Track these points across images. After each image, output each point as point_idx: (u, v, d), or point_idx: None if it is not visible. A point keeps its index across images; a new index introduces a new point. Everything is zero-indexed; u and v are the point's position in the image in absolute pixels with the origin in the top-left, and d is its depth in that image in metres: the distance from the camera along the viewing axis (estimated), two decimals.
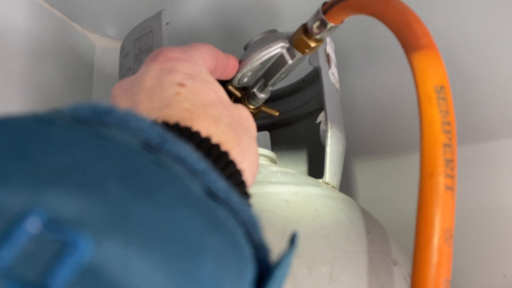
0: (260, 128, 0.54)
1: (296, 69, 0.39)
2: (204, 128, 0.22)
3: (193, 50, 0.28)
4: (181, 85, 0.24)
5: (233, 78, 0.38)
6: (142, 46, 0.42)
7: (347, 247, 0.33)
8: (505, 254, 0.45)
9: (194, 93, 0.24)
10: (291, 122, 0.53)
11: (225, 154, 0.21)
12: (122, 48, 0.44)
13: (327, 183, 0.41)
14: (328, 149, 0.41)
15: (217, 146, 0.21)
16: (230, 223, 0.16)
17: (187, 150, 0.17)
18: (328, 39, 0.45)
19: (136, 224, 0.13)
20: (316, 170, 0.48)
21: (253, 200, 0.34)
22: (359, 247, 0.33)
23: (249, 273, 0.17)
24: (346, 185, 0.57)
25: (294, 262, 0.30)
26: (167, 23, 0.41)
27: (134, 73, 0.41)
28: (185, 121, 0.22)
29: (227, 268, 0.15)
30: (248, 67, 0.37)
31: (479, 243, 0.47)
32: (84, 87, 0.55)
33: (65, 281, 0.11)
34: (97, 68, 0.56)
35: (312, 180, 0.40)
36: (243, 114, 0.27)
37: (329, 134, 0.41)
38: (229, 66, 0.34)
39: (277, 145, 0.54)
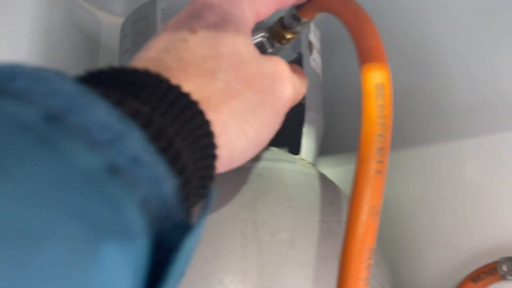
0: None
1: (286, 53, 0.43)
2: (190, 82, 0.21)
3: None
4: (192, 31, 0.23)
5: None
6: (138, 29, 0.46)
7: (309, 216, 0.37)
8: (457, 224, 0.49)
9: (200, 43, 0.23)
10: None
11: (197, 114, 0.20)
12: (122, 29, 0.48)
13: (303, 159, 0.45)
14: (304, 129, 0.45)
15: (190, 104, 0.19)
16: (117, 200, 0.15)
17: (97, 117, 0.15)
18: (312, 27, 0.49)
19: None
20: (298, 147, 0.52)
21: (228, 174, 0.38)
22: (320, 216, 0.38)
23: (133, 249, 0.15)
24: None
25: (260, 229, 0.35)
26: (162, 9, 0.45)
27: (131, 55, 0.46)
28: (167, 71, 0.21)
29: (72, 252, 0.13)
30: None
31: (432, 215, 0.51)
32: (90, 63, 0.60)
33: None
34: (103, 45, 0.60)
35: (289, 156, 0.44)
36: (267, 70, 0.25)
37: (306, 115, 0.45)
38: None
39: None
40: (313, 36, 0.48)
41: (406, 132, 0.57)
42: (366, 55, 0.28)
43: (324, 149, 0.50)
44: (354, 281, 0.26)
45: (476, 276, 0.45)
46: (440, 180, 0.52)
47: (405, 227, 0.53)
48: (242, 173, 0.39)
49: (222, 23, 0.24)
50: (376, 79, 0.28)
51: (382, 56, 0.29)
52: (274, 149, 0.45)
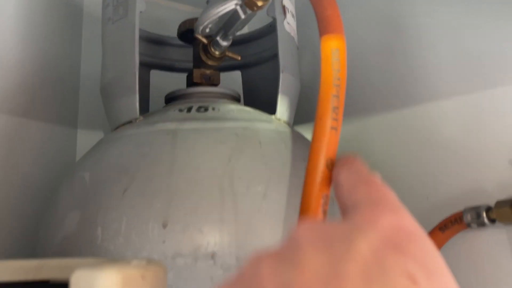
0: (232, 68, 0.61)
1: (260, 18, 0.45)
2: None
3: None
4: (413, 280, 0.17)
5: (197, 28, 0.45)
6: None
7: (281, 171, 0.40)
8: (428, 177, 0.53)
9: None
10: (260, 63, 0.59)
11: None
12: None
13: (279, 119, 0.48)
14: (279, 89, 0.48)
15: None
16: None
17: None
18: None
19: None
20: (274, 107, 0.55)
21: (207, 134, 0.41)
22: (292, 171, 0.41)
23: None
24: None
25: (236, 183, 0.39)
26: None
27: (113, 23, 0.48)
28: None
29: None
30: (208, 20, 0.44)
31: (408, 171, 0.55)
32: (73, 30, 0.61)
33: None
34: (87, 12, 0.62)
35: (264, 116, 0.47)
36: None
37: (281, 76, 0.48)
38: None
39: (248, 83, 0.61)
40: (287, 1, 0.51)
41: (385, 96, 0.59)
42: (324, 23, 0.31)
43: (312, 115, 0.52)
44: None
45: (444, 225, 0.49)
46: (417, 138, 0.55)
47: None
48: (219, 132, 0.42)
49: (434, 263, 0.19)
50: (332, 45, 0.31)
51: (338, 24, 0.31)
52: (250, 110, 0.48)
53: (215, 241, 0.36)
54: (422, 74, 0.55)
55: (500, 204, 0.44)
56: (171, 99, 0.51)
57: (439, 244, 0.49)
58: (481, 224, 0.46)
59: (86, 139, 0.61)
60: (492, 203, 0.46)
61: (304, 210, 0.30)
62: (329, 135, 0.30)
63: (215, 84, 0.52)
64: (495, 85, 0.49)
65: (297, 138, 0.46)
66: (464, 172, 0.51)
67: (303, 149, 0.45)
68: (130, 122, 0.45)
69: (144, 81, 0.55)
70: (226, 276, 0.33)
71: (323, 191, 0.30)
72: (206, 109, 0.45)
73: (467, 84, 0.52)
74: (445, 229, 0.49)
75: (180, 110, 0.45)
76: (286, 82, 0.48)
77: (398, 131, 0.57)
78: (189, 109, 0.45)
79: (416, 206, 0.53)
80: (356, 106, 0.61)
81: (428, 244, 0.20)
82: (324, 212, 0.30)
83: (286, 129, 0.46)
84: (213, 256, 0.36)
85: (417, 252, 0.19)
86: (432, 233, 0.49)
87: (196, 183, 0.38)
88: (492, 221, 0.45)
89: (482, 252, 0.47)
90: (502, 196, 0.46)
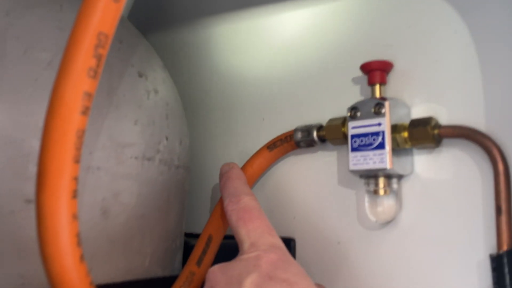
0: None
1: None
2: None
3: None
4: None
5: None
6: None
7: None
8: (265, 99, 0.49)
9: None
10: None
11: None
12: None
13: None
14: None
15: None
16: None
17: None
18: None
19: None
20: None
21: None
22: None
23: None
24: None
25: (10, 42, 0.30)
26: None
27: None
28: None
29: None
30: None
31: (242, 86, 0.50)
32: None
33: None
34: None
35: None
36: None
37: None
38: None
39: None
40: None
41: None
42: None
43: None
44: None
45: (272, 144, 0.45)
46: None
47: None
48: None
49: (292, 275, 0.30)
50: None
51: None
52: None
53: None
54: None
55: (332, 121, 0.41)
56: None
57: (267, 163, 0.45)
58: (310, 143, 0.43)
59: None
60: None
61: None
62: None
63: None
64: None
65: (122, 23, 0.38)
66: (296, 96, 0.47)
67: (124, 31, 0.37)
68: None
69: None
70: None
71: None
72: None
73: None
74: (273, 147, 0.45)
75: None
76: None
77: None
78: None
79: (253, 128, 0.50)
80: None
81: (290, 263, 0.30)
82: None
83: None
84: None
85: (282, 275, 0.29)
86: (260, 152, 0.45)
87: None
88: (322, 140, 0.42)
89: (311, 172, 0.45)
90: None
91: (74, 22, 0.23)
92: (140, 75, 0.37)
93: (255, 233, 0.32)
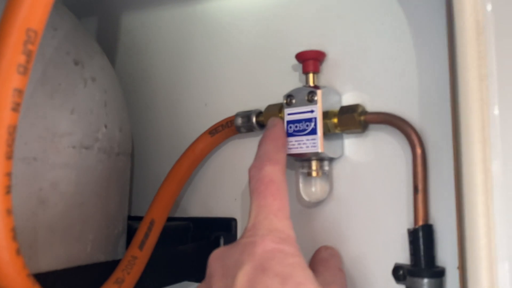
0: None
1: None
2: None
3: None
4: None
5: None
6: None
7: None
8: (208, 86, 0.50)
9: None
10: None
11: None
12: None
13: None
14: None
15: None
16: None
17: None
18: None
19: None
20: None
21: None
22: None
23: None
24: None
25: None
26: None
27: None
28: None
29: None
30: None
31: (190, 81, 0.51)
32: None
33: None
34: None
35: None
36: None
37: None
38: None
39: None
40: None
41: None
42: None
43: None
44: None
45: (214, 129, 0.46)
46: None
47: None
48: None
49: (292, 270, 0.29)
50: None
51: None
52: None
53: None
54: None
55: (269, 108, 0.43)
56: None
57: (209, 148, 0.47)
58: (250, 129, 0.44)
59: None
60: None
61: None
62: None
63: None
64: None
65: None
66: (232, 83, 0.48)
67: (57, 18, 0.36)
68: None
69: None
70: None
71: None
72: None
73: None
74: (215, 133, 0.46)
75: None
76: None
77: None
78: None
79: (197, 113, 0.51)
80: None
81: (287, 252, 0.28)
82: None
83: None
84: None
85: (277, 266, 0.27)
86: (201, 137, 0.46)
87: None
88: (261, 125, 0.44)
89: (253, 155, 0.46)
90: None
91: (1, 18, 0.23)
92: (76, 63, 0.37)
93: (261, 212, 0.30)
